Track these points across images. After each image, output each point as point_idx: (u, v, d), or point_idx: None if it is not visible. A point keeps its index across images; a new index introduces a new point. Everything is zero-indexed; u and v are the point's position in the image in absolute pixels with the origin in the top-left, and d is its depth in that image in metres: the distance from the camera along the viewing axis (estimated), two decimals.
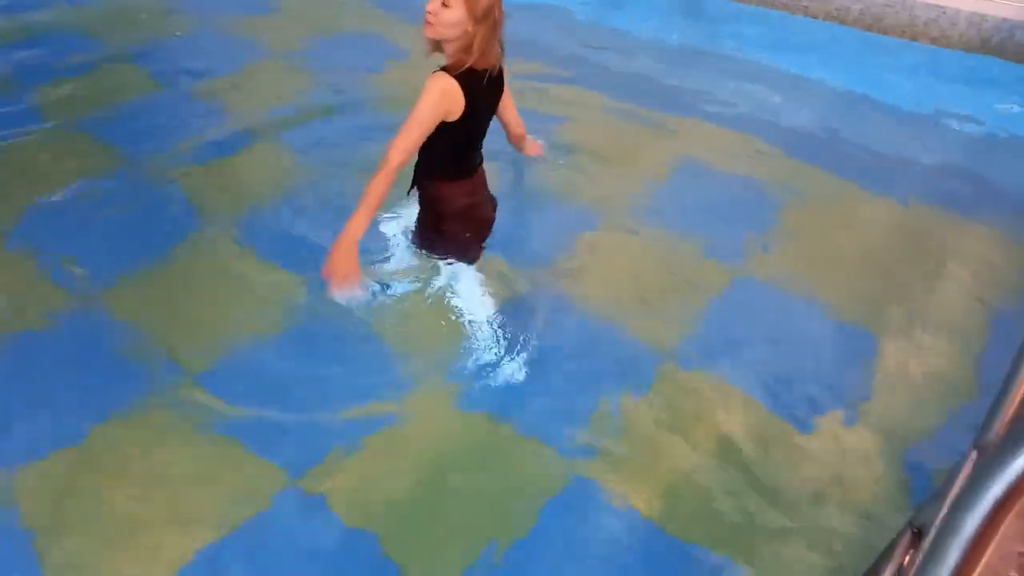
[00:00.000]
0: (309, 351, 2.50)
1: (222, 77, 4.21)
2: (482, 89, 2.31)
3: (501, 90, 2.50)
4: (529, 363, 2.48)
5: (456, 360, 2.48)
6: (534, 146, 3.12)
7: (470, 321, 2.59)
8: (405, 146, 2.23)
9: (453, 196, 2.52)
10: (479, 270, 2.71)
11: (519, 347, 2.54)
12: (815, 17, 5.25)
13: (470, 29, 2.18)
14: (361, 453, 2.17)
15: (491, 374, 2.45)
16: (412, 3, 5.21)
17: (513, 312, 2.68)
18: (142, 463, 2.11)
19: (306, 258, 2.77)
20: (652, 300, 2.82)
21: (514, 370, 2.46)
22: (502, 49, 2.34)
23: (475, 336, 2.56)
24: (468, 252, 2.68)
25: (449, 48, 2.26)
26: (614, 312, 2.73)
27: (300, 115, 3.75)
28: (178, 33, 4.83)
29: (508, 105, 2.63)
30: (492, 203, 2.73)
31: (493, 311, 2.61)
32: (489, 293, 2.66)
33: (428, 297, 2.70)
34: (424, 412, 2.31)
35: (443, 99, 2.22)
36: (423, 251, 2.72)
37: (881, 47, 4.97)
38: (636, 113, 4.05)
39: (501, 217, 3.09)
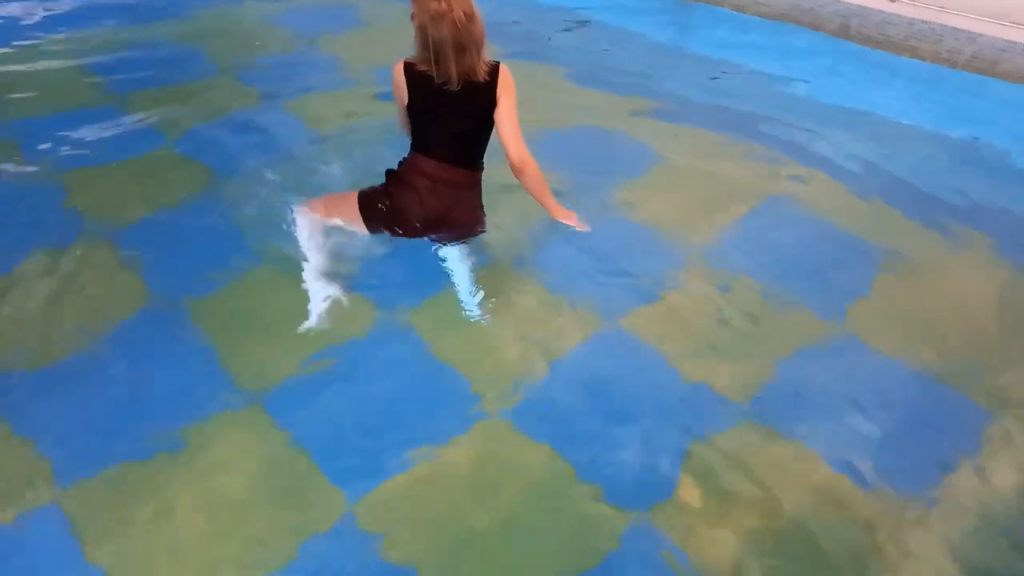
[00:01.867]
0: (371, 377, 2.49)
1: (317, 94, 4.29)
2: (435, 90, 2.49)
3: (478, 101, 2.55)
4: (594, 406, 2.42)
5: (520, 394, 2.44)
6: (567, 215, 3.01)
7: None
8: (397, 110, 2.72)
9: (410, 161, 2.71)
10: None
11: (584, 386, 2.49)
12: (923, 60, 4.99)
13: (424, 51, 2.44)
14: (416, 481, 2.15)
15: (554, 412, 2.39)
16: (506, 32, 5.31)
17: (581, 352, 2.62)
18: (204, 480, 2.13)
19: (375, 285, 2.79)
20: (728, 348, 2.69)
21: (578, 411, 2.40)
22: (466, 69, 2.44)
23: (541, 372, 2.52)
24: (370, 216, 2.76)
25: None
26: (685, 358, 2.63)
27: (393, 136, 3.75)
28: (280, 50, 4.98)
29: (502, 125, 2.62)
30: (434, 207, 2.68)
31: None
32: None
33: (501, 329, 2.68)
34: (485, 445, 2.27)
35: (394, 85, 2.61)
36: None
37: (994, 93, 4.67)
38: (726, 153, 3.93)
39: (575, 250, 3.05)
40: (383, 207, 2.73)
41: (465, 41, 2.36)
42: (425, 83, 2.49)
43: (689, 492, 2.16)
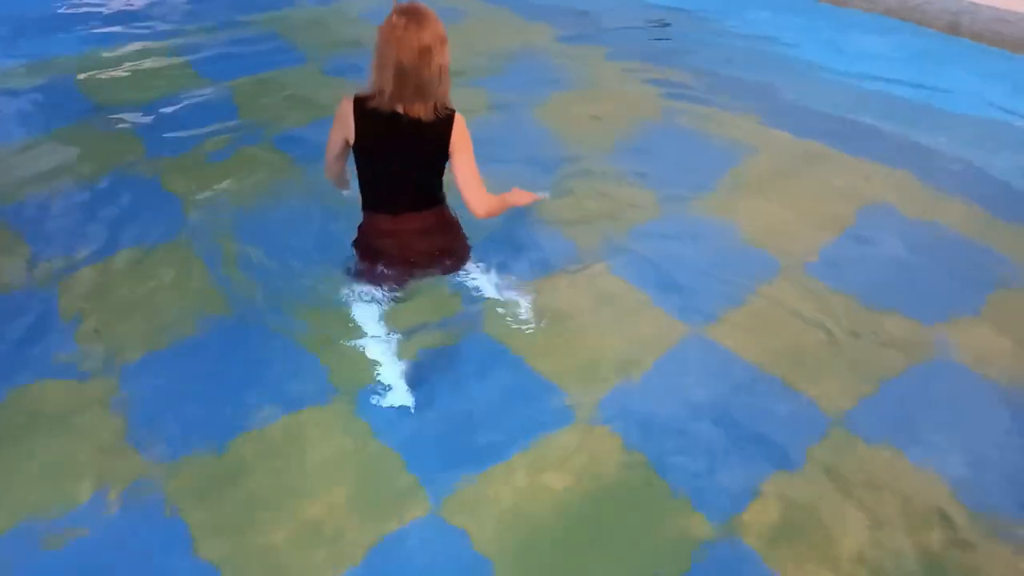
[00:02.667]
0: (460, 381, 2.48)
1: None
2: (387, 126, 2.31)
3: (428, 147, 2.38)
4: (684, 414, 2.36)
5: (608, 399, 2.40)
6: (525, 196, 2.76)
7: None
8: (327, 148, 2.51)
9: (367, 225, 2.59)
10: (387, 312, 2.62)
11: (674, 394, 2.43)
12: None
13: (373, 72, 2.28)
14: (502, 483, 2.14)
15: (642, 419, 2.34)
16: (595, 28, 5.27)
17: (670, 358, 2.57)
18: (292, 469, 2.17)
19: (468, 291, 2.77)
20: (823, 361, 2.58)
21: (666, 418, 2.34)
22: (399, 98, 2.27)
23: (630, 377, 2.48)
24: (372, 280, 2.62)
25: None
26: (778, 369, 2.53)
27: (487, 136, 3.71)
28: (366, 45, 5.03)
29: (462, 181, 2.44)
30: (411, 254, 2.56)
31: (385, 350, 2.51)
32: (382, 331, 2.56)
33: (589, 333, 2.65)
34: (570, 450, 2.24)
35: (336, 118, 2.39)
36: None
37: None
38: (826, 154, 3.80)
39: (665, 254, 3.01)
40: (384, 275, 2.61)
41: (416, 72, 2.21)
42: (375, 119, 2.32)
43: (776, 507, 2.09)
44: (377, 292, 2.62)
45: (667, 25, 5.47)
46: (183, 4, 5.58)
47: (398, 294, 2.64)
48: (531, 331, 2.64)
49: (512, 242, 3.02)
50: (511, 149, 3.73)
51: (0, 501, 2.07)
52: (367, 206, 2.56)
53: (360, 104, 2.33)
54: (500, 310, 2.71)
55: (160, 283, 2.85)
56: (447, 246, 2.65)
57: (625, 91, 4.48)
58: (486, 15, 5.64)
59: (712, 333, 2.67)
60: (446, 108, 2.35)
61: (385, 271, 2.59)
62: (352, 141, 2.39)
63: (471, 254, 2.75)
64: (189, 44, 4.89)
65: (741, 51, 5.04)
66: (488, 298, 2.73)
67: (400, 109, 2.29)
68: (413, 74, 2.22)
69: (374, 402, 2.36)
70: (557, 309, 2.73)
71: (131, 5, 5.52)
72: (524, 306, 2.71)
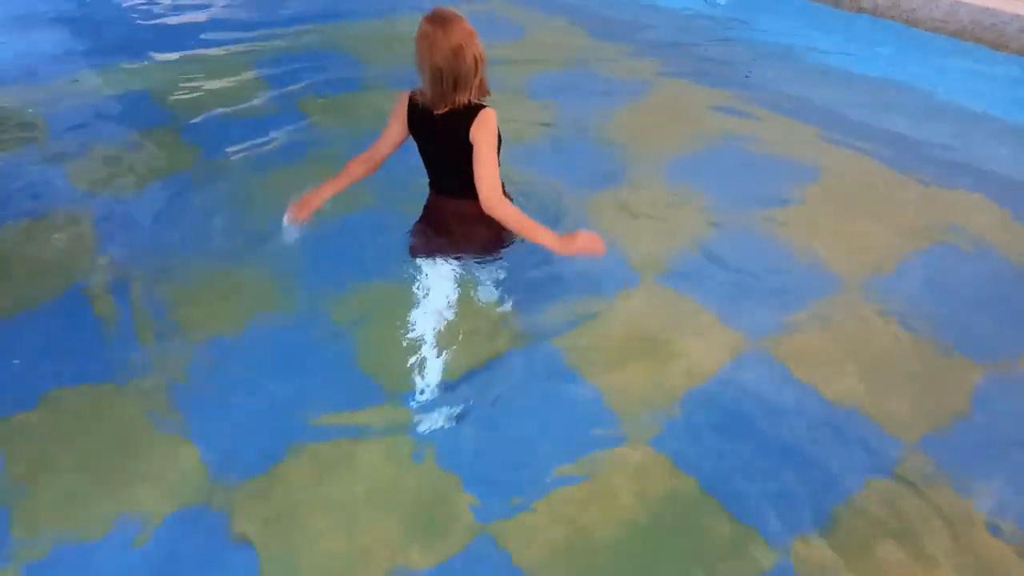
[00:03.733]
0: (513, 395, 2.47)
1: None
2: (424, 120, 2.48)
3: (454, 138, 2.42)
4: (741, 435, 2.33)
5: (663, 418, 2.37)
6: (570, 246, 2.53)
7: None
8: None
9: (427, 198, 2.75)
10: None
11: (730, 413, 2.40)
12: None
13: (417, 74, 2.44)
14: (554, 503, 2.12)
15: (697, 439, 2.31)
16: (653, 46, 5.24)
17: (727, 375, 2.53)
18: (342, 487, 2.17)
19: (520, 310, 2.76)
20: (887, 386, 2.52)
21: (723, 439, 2.31)
22: (441, 98, 2.38)
23: (684, 394, 2.46)
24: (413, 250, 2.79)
25: None
26: (838, 391, 2.48)
27: (529, 152, 3.75)
28: None
29: (475, 165, 2.42)
30: (431, 235, 2.67)
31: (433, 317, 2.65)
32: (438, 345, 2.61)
33: (641, 347, 2.62)
34: (623, 469, 2.22)
35: (395, 108, 2.58)
36: None
37: None
38: (893, 178, 3.72)
39: (724, 268, 3.00)
40: (417, 238, 2.75)
41: (453, 69, 2.32)
42: (418, 113, 2.49)
43: (834, 539, 2.03)
44: (438, 316, 2.67)
45: (731, 46, 5.41)
46: (258, 17, 5.75)
47: (427, 264, 2.69)
48: (584, 346, 2.62)
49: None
50: (567, 159, 3.76)
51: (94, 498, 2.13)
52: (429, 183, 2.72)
53: (412, 98, 2.53)
54: (554, 324, 2.70)
55: (224, 284, 2.91)
56: (470, 233, 2.65)
57: (687, 106, 4.46)
58: (546, 29, 5.69)
59: (770, 351, 2.63)
60: (480, 102, 2.44)
61: (419, 235, 2.72)
62: (399, 127, 2.58)
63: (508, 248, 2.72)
64: (261, 55, 5.04)
65: (807, 70, 4.97)
66: (541, 311, 2.73)
67: (436, 109, 2.42)
68: (449, 72, 2.35)
69: (425, 420, 2.35)
70: (612, 323, 2.72)
71: (204, 16, 5.70)
72: (572, 318, 2.71)
